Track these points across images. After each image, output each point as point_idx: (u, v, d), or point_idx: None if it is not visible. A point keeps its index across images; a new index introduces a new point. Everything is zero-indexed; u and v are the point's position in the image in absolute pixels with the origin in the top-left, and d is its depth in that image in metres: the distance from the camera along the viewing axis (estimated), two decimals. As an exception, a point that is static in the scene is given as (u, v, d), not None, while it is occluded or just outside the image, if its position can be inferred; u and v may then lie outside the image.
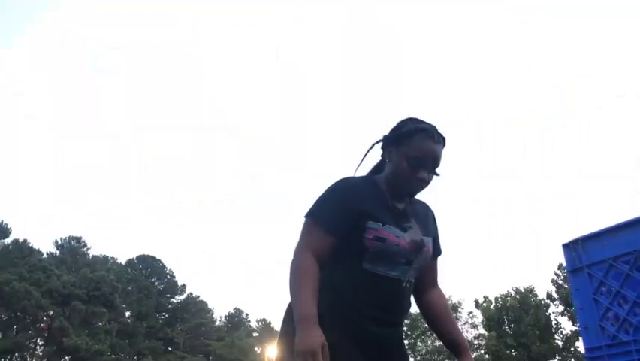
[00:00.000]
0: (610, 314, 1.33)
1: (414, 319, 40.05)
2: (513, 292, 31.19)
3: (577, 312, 1.37)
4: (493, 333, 29.17)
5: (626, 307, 1.31)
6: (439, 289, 2.44)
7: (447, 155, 2.34)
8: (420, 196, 2.42)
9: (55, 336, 39.20)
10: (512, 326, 30.04)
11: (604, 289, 1.37)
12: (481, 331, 35.62)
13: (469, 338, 39.27)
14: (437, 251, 2.41)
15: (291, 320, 2.10)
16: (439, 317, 2.37)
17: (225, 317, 55.95)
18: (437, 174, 2.26)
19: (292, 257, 2.14)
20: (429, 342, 40.33)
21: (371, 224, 2.12)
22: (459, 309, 40.69)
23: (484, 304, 30.88)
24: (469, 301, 44.34)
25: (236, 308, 56.10)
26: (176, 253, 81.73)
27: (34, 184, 68.37)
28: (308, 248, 2.11)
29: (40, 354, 39.71)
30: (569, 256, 1.44)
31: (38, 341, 41.21)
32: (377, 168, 2.42)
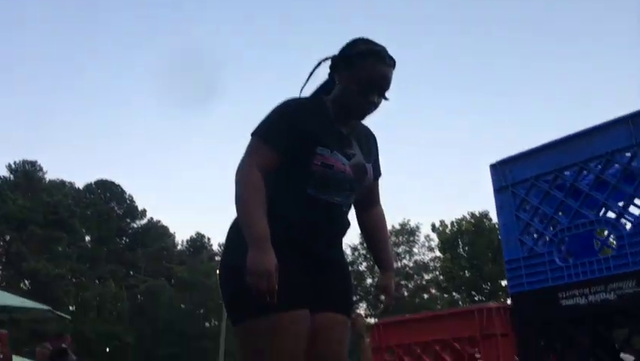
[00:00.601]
0: (529, 229, 1.31)
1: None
2: (468, 217, 32.23)
3: (500, 228, 1.34)
4: (448, 255, 30.33)
5: (544, 222, 1.28)
6: (379, 207, 2.48)
7: (396, 78, 2.29)
8: (371, 120, 2.38)
9: (12, 261, 39.00)
10: (467, 248, 31.23)
11: (526, 206, 1.34)
12: (437, 253, 37.04)
13: (425, 260, 40.89)
14: (377, 173, 2.43)
15: (238, 249, 2.05)
16: (373, 235, 2.44)
17: (187, 241, 56.41)
18: (386, 98, 2.22)
19: (237, 173, 2.07)
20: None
21: (320, 150, 2.09)
22: (416, 233, 42.08)
23: (440, 228, 31.91)
24: (426, 226, 45.68)
25: (197, 233, 56.52)
26: (135, 178, 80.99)
27: (-17, 106, 65.81)
28: (254, 165, 2.05)
29: (-1, 278, 39.59)
30: (495, 175, 1.40)
31: (-5, 265, 41.01)
32: (325, 88, 2.35)
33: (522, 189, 1.33)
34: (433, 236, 36.22)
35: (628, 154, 1.19)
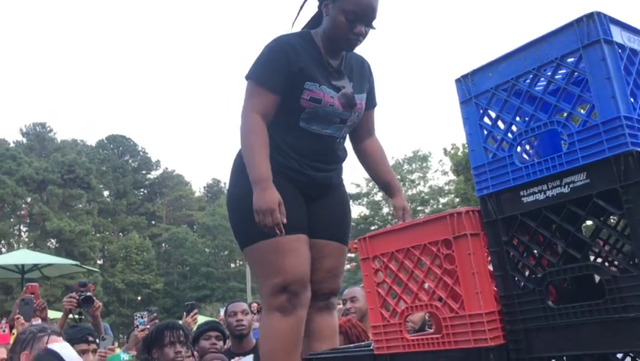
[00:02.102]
0: (492, 136, 1.40)
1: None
2: (479, 137, 32.15)
3: (466, 138, 1.43)
4: (462, 177, 30.40)
5: (504, 128, 1.37)
6: (375, 138, 2.57)
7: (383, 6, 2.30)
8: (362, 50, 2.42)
9: (37, 221, 39.93)
10: (479, 169, 31.29)
11: (488, 115, 1.42)
12: (451, 177, 37.16)
13: (440, 185, 41.10)
14: (372, 103, 2.49)
15: (240, 179, 2.19)
16: (374, 162, 2.54)
17: (204, 187, 57.10)
18: (374, 27, 2.27)
19: (241, 120, 2.20)
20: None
21: (308, 85, 2.18)
22: (429, 159, 42.11)
23: (452, 151, 31.86)
24: (438, 151, 45.69)
25: (214, 178, 57.14)
26: (146, 129, 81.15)
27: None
28: (254, 110, 2.18)
29: (26, 239, 40.65)
30: (460, 89, 1.47)
31: (21, 227, 41.99)
32: (314, 22, 2.39)
33: (484, 99, 1.41)
34: (446, 160, 36.25)
35: (573, 58, 1.26)
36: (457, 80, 1.47)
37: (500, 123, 1.38)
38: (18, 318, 3.95)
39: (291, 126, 2.23)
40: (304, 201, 2.26)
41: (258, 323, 4.28)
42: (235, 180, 2.30)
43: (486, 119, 1.41)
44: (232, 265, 46.85)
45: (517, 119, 1.34)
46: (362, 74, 2.42)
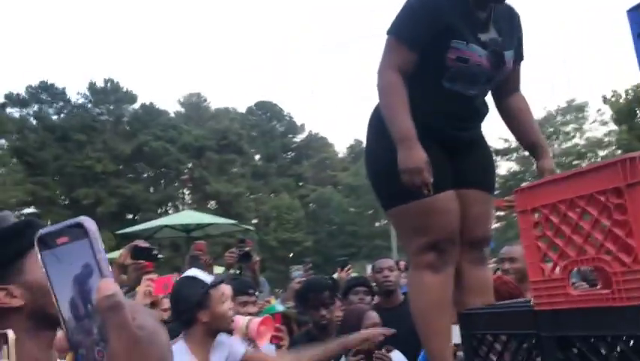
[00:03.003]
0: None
1: (540, 124, 39.01)
2: (645, 82, 28.90)
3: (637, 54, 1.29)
4: (624, 127, 27.75)
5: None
6: (520, 94, 2.43)
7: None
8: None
9: (197, 185, 43.31)
10: (645, 116, 28.26)
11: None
12: (612, 127, 34.06)
13: (599, 136, 37.87)
14: (519, 57, 2.34)
15: (379, 138, 2.19)
16: (519, 121, 2.41)
17: (347, 148, 57.94)
18: None
19: (378, 76, 2.19)
20: (555, 145, 39.51)
21: (455, 43, 2.10)
22: (585, 108, 38.86)
23: (613, 99, 29.07)
24: (597, 99, 41.96)
25: (356, 139, 57.64)
26: (290, 95, 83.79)
27: (148, 48, 71.33)
28: (393, 66, 2.16)
29: (189, 201, 44.32)
30: (634, 19, 1.31)
31: (185, 190, 45.81)
32: None
33: (662, 30, 1.25)
34: (605, 109, 33.20)
35: None
36: (630, 11, 1.32)
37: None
38: None
39: (434, 85, 2.16)
40: (447, 156, 2.20)
41: (404, 280, 4.30)
42: (374, 139, 2.28)
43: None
44: (377, 224, 47.36)
45: None
46: (511, 29, 2.27)
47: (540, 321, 1.47)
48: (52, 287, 0.62)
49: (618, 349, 1.32)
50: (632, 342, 1.30)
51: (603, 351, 1.33)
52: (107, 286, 0.59)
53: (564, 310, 1.41)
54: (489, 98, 2.41)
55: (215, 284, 2.46)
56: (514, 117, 2.38)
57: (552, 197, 1.44)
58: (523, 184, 1.56)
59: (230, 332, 2.65)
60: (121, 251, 2.96)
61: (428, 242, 2.12)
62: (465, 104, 2.19)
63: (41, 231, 0.62)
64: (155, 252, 2.99)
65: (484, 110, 2.31)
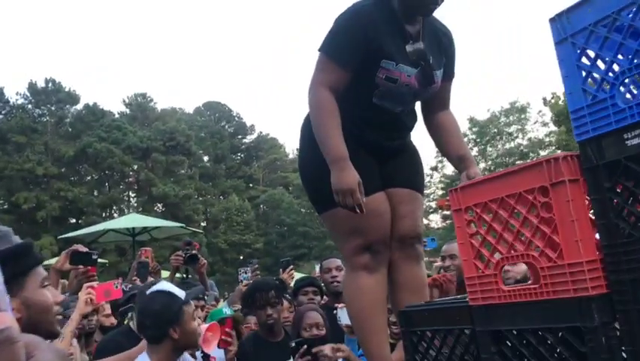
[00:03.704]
0: (591, 77, 1.31)
1: (482, 126, 40.09)
2: (582, 84, 30.10)
3: (563, 80, 1.36)
4: (563, 128, 28.84)
5: (604, 68, 1.28)
6: (449, 111, 2.47)
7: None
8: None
9: (143, 187, 42.44)
10: (582, 118, 29.41)
11: (586, 55, 1.33)
12: (552, 128, 35.34)
13: (540, 137, 39.19)
14: (450, 74, 2.38)
15: (310, 146, 2.21)
16: (447, 136, 2.44)
17: (297, 150, 58.02)
18: None
19: (309, 93, 2.19)
20: (499, 146, 40.67)
21: (384, 63, 2.13)
22: (527, 110, 40.15)
23: (553, 101, 30.16)
24: (537, 101, 43.37)
25: (305, 140, 57.83)
26: (239, 96, 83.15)
27: (90, 48, 69.39)
28: (324, 83, 2.16)
29: (135, 204, 43.38)
30: (555, 28, 1.38)
31: (130, 193, 44.81)
32: None
33: (581, 38, 1.32)
34: (546, 110, 34.41)
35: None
36: (551, 20, 1.38)
37: (600, 63, 1.29)
38: (135, 280, 4.28)
39: (364, 100, 2.21)
40: (376, 161, 2.27)
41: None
42: (305, 146, 2.30)
43: (584, 60, 1.33)
44: (328, 225, 47.62)
45: (620, 57, 1.25)
46: (440, 47, 2.32)
47: (475, 316, 1.52)
48: None
49: (549, 342, 1.38)
50: (560, 334, 1.36)
51: (532, 344, 1.39)
52: (1, 320, 0.61)
53: (496, 305, 1.46)
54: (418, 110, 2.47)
55: (188, 300, 2.40)
56: (441, 134, 2.43)
57: (484, 196, 1.50)
58: (460, 184, 1.62)
59: (196, 347, 2.61)
60: (59, 257, 2.89)
61: (362, 244, 2.16)
62: (393, 119, 2.27)
63: None
64: (94, 256, 2.93)
65: (411, 123, 2.40)
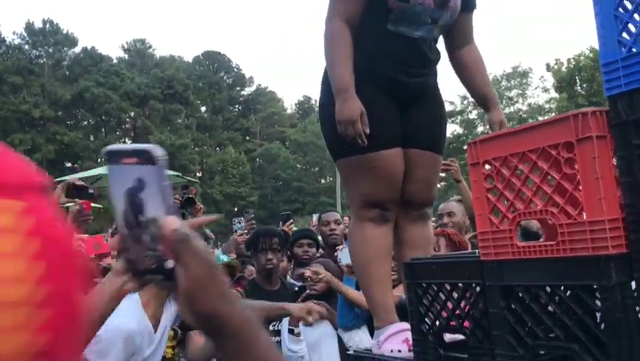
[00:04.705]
0: (628, 29, 1.25)
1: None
2: (587, 52, 29.76)
3: (597, 30, 1.29)
4: (565, 95, 28.70)
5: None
6: (473, 45, 2.39)
7: None
8: None
9: (140, 135, 42.25)
10: (584, 86, 29.20)
11: (622, 6, 1.27)
12: (553, 94, 35.14)
13: (540, 103, 39.01)
14: (470, 4, 2.30)
15: (326, 89, 2.16)
16: (470, 72, 2.37)
17: (295, 104, 57.61)
18: None
19: (325, 26, 2.14)
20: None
21: None
22: (529, 75, 39.86)
23: (556, 67, 29.87)
24: (540, 66, 42.89)
25: (305, 96, 57.37)
26: (239, 46, 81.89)
27: (89, -10, 67.82)
28: (338, 15, 2.11)
29: (132, 152, 43.20)
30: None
31: (126, 140, 44.61)
32: None
33: (621, -14, 1.26)
34: (548, 76, 34.11)
35: None
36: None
37: (637, 16, 1.23)
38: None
39: (379, 29, 2.12)
40: (398, 108, 2.19)
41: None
42: (324, 91, 2.25)
43: (621, 10, 1.27)
44: (322, 181, 47.77)
45: (661, 7, 1.19)
46: None
47: (485, 271, 1.50)
48: (112, 198, 0.71)
49: (556, 298, 1.37)
50: (568, 292, 1.35)
51: (543, 300, 1.38)
52: (173, 221, 0.68)
53: (509, 261, 1.44)
54: (441, 48, 2.38)
55: None
56: (466, 69, 2.37)
57: (504, 150, 1.46)
58: (479, 137, 1.57)
59: None
60: (55, 190, 2.86)
61: (371, 199, 2.13)
62: (412, 48, 2.16)
63: (110, 147, 0.71)
64: (91, 190, 2.90)
65: (433, 56, 2.26)
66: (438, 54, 2.30)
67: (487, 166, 1.52)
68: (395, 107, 2.18)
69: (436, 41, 2.28)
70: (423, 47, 2.18)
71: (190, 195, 4.47)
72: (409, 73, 2.17)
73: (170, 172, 13.22)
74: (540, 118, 38.02)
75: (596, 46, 1.35)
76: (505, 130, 1.52)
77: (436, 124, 2.31)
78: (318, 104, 2.39)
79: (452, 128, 40.24)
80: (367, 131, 2.00)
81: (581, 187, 1.28)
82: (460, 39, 2.35)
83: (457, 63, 2.38)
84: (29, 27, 40.56)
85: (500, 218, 1.48)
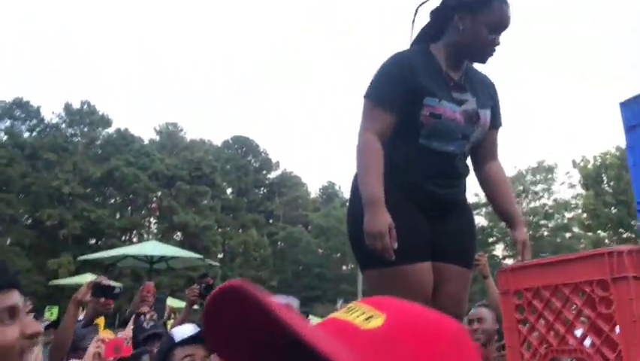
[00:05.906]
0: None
1: (511, 181, 39.60)
2: (613, 150, 29.75)
3: (630, 168, 1.29)
4: (591, 192, 28.43)
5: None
6: (498, 162, 2.44)
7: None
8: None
9: (165, 214, 42.69)
10: (612, 183, 28.96)
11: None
12: (579, 190, 34.83)
13: (567, 198, 38.63)
14: (496, 122, 2.37)
15: (356, 199, 2.17)
16: (496, 189, 2.39)
17: (320, 189, 58.06)
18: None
19: (357, 140, 2.19)
20: (524, 204, 40.16)
21: (427, 100, 2.13)
22: (554, 170, 39.76)
23: (582, 164, 29.82)
24: (566, 162, 42.96)
25: (329, 181, 57.91)
26: (267, 132, 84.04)
27: (127, 75, 71.16)
28: (370, 130, 2.16)
29: (155, 231, 43.58)
30: (626, 113, 1.32)
31: (151, 219, 45.10)
32: (428, 34, 2.31)
33: (653, 126, 1.26)
34: (574, 172, 33.98)
35: None
36: (623, 104, 1.32)
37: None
38: (142, 308, 4.25)
39: (411, 143, 2.17)
40: (427, 221, 2.18)
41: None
42: (353, 201, 2.27)
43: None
44: (344, 268, 47.17)
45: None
46: (485, 91, 2.32)
47: (516, 408, 1.42)
48: None
49: None
50: None
51: None
52: None
53: (542, 400, 1.37)
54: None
55: (182, 342, 2.20)
56: (491, 186, 2.39)
57: (536, 281, 1.42)
58: (510, 265, 1.54)
59: None
60: (81, 288, 2.86)
61: None
62: (443, 162, 2.20)
63: None
64: (116, 290, 2.90)
65: (463, 170, 2.31)
66: (467, 168, 2.33)
67: (517, 296, 1.48)
68: (425, 220, 2.18)
69: (466, 156, 2.31)
70: (454, 162, 2.22)
71: (209, 283, 4.44)
72: (439, 185, 2.19)
73: (192, 254, 13.20)
74: (566, 214, 37.60)
75: (621, 145, 1.34)
76: (537, 260, 1.48)
77: (467, 238, 2.29)
78: (346, 213, 2.40)
79: (477, 221, 39.76)
80: (395, 246, 1.98)
81: (617, 329, 1.23)
82: (485, 155, 2.39)
83: (482, 177, 2.41)
84: (68, 108, 42.31)
85: (532, 353, 1.42)
